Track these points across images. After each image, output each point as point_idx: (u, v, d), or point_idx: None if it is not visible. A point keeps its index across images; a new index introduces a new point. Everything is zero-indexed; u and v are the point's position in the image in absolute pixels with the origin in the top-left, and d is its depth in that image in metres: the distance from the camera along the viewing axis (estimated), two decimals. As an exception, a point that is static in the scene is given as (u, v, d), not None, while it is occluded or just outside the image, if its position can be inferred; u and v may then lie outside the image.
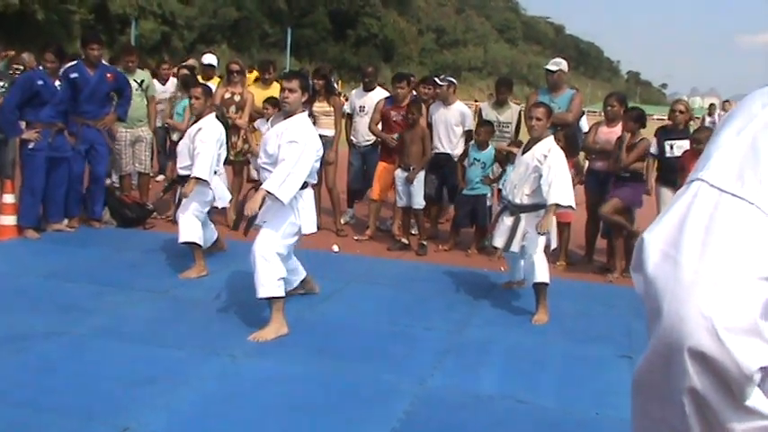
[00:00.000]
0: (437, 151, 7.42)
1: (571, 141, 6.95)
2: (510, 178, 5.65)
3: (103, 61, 7.51)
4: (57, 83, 6.71)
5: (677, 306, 0.77)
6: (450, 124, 7.45)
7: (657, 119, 25.51)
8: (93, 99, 7.05)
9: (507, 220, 5.49)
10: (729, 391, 0.76)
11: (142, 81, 8.03)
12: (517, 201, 5.43)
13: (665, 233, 0.82)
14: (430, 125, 7.48)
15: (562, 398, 3.97)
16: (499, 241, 5.55)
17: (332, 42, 65.94)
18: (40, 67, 6.74)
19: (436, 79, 7.88)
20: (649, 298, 0.82)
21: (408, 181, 7.15)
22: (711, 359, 0.75)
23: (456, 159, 7.44)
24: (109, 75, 7.19)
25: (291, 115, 4.78)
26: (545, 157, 5.28)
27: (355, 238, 7.70)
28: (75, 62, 7.24)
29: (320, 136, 7.32)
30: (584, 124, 7.63)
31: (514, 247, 5.38)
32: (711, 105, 19.62)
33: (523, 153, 5.54)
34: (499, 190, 7.26)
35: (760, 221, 0.78)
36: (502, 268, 6.30)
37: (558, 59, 7.48)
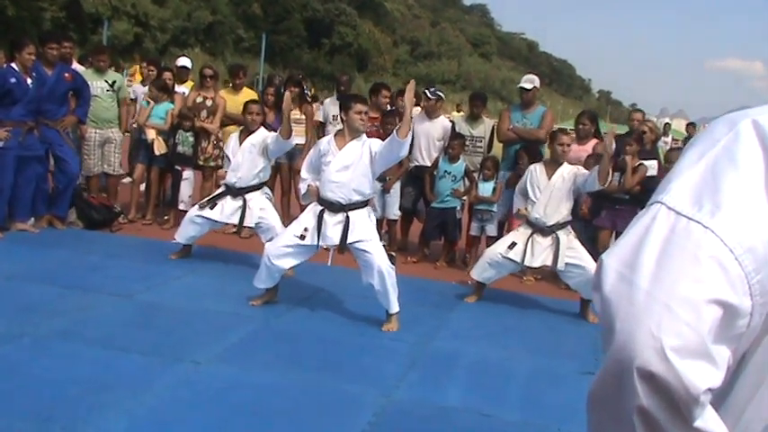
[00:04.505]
0: (417, 164, 7.43)
1: (534, 153, 6.95)
2: (537, 205, 5.88)
3: (75, 61, 7.37)
4: (28, 80, 6.58)
5: (629, 326, 0.79)
6: (432, 138, 7.42)
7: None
8: (51, 98, 6.91)
9: (543, 241, 5.79)
10: (678, 412, 0.77)
11: (114, 82, 7.92)
12: (552, 222, 5.79)
13: (623, 255, 0.84)
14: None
15: (526, 412, 3.98)
16: (538, 261, 5.81)
17: (306, 49, 65.88)
18: (12, 65, 6.60)
19: (426, 92, 7.71)
20: (604, 317, 0.83)
21: (385, 191, 7.14)
22: (659, 379, 0.76)
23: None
24: (67, 74, 7.06)
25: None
26: (575, 174, 5.83)
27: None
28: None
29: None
30: None
31: (560, 265, 5.73)
32: (666, 125, 19.06)
33: (549, 178, 5.90)
34: (470, 204, 7.31)
35: (713, 245, 0.79)
36: (469, 281, 6.31)
37: (532, 76, 7.52)
